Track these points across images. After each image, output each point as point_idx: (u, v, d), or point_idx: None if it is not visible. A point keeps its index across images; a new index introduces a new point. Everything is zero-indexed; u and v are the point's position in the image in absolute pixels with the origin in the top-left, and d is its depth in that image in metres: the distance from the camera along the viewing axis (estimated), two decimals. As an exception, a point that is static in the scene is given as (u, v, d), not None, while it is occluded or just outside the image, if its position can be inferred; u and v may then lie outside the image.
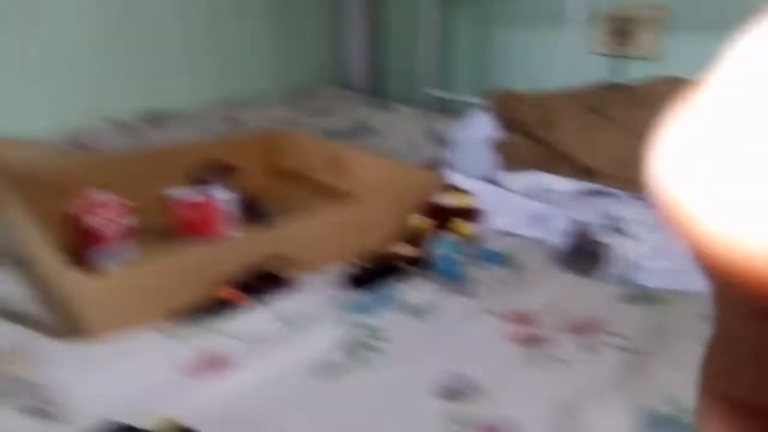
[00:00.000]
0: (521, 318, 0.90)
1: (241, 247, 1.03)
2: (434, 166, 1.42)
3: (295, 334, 0.88)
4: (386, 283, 0.99)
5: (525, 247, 1.12)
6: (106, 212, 1.12)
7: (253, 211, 1.30)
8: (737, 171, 0.10)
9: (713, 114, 0.11)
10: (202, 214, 1.21)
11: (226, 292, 0.93)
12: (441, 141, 1.67)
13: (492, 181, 1.27)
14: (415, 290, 0.98)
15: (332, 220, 1.13)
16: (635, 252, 1.02)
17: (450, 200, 1.20)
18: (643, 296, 0.95)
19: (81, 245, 1.07)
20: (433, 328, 0.89)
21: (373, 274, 1.02)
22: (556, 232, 1.13)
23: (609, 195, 1.16)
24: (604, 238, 1.04)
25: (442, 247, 1.04)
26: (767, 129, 0.10)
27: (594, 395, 0.73)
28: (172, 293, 0.95)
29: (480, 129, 1.37)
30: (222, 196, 1.23)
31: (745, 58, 0.11)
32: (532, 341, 0.85)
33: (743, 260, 0.11)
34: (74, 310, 0.94)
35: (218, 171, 1.42)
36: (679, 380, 0.74)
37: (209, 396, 0.78)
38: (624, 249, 1.02)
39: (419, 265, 1.05)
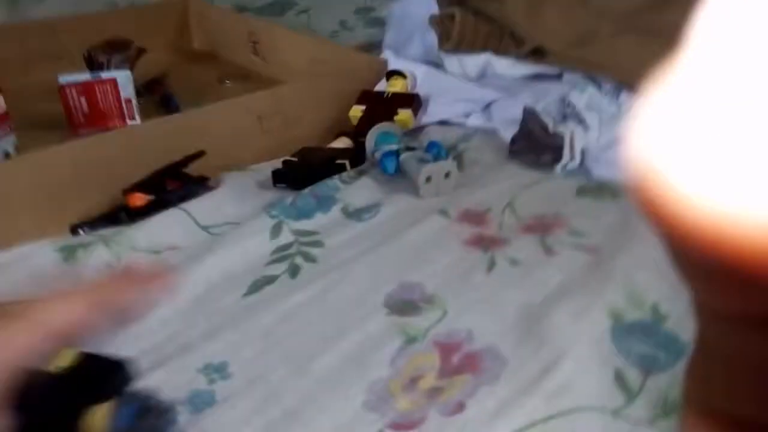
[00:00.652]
0: (474, 218, 0.82)
1: (147, 139, 0.88)
2: (369, 49, 1.27)
3: (219, 244, 0.76)
4: (322, 182, 0.88)
5: (472, 138, 1.02)
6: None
7: (160, 98, 1.13)
8: (741, 137, 0.09)
9: (703, 76, 0.10)
10: (99, 100, 1.03)
11: (132, 196, 0.79)
12: (376, 21, 1.51)
13: (434, 65, 1.15)
14: (356, 189, 0.87)
15: (254, 108, 0.99)
16: (591, 141, 0.95)
17: (389, 87, 1.07)
18: (601, 189, 0.88)
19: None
20: (378, 232, 0.79)
21: (307, 172, 0.90)
22: (504, 121, 1.03)
23: (561, 79, 1.06)
24: (557, 127, 0.96)
25: (383, 139, 0.93)
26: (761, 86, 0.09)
27: (557, 301, 0.66)
28: (67, 197, 0.80)
29: (420, 5, 1.22)
30: (122, 80, 1.05)
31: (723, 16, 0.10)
32: (487, 243, 0.76)
33: (747, 238, 0.10)
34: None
35: (118, 50, 1.22)
36: (644, 280, 0.68)
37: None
38: (579, 138, 0.94)
39: (358, 160, 0.94)
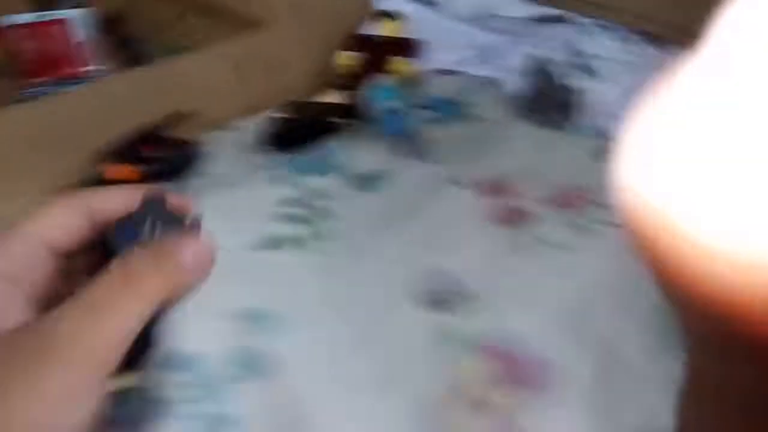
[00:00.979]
0: (494, 187, 0.75)
1: (112, 99, 0.75)
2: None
3: (214, 220, 0.67)
4: (319, 143, 0.78)
5: (474, 90, 0.93)
6: None
7: (119, 40, 0.99)
8: (732, 166, 0.09)
9: (695, 102, 0.09)
10: (49, 45, 0.89)
11: (116, 169, 0.68)
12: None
13: (430, 4, 1.04)
14: (359, 152, 0.78)
15: (233, 54, 0.87)
16: (603, 95, 0.88)
17: (381, 30, 0.97)
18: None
19: None
20: (390, 204, 0.72)
21: (300, 129, 0.81)
22: (507, 69, 0.95)
23: (572, 23, 0.98)
24: (572, 80, 0.88)
25: (382, 94, 0.83)
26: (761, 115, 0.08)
27: (603, 293, 0.61)
28: (33, 172, 0.68)
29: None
30: (75, 20, 0.90)
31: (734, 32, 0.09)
32: (514, 218, 0.70)
33: (737, 272, 0.09)
34: None
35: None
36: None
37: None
38: (596, 93, 0.87)
39: (355, 117, 0.84)
